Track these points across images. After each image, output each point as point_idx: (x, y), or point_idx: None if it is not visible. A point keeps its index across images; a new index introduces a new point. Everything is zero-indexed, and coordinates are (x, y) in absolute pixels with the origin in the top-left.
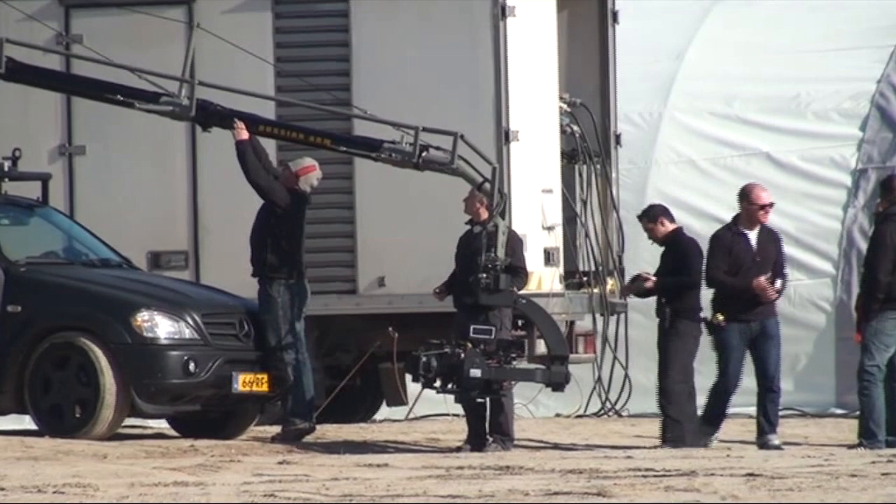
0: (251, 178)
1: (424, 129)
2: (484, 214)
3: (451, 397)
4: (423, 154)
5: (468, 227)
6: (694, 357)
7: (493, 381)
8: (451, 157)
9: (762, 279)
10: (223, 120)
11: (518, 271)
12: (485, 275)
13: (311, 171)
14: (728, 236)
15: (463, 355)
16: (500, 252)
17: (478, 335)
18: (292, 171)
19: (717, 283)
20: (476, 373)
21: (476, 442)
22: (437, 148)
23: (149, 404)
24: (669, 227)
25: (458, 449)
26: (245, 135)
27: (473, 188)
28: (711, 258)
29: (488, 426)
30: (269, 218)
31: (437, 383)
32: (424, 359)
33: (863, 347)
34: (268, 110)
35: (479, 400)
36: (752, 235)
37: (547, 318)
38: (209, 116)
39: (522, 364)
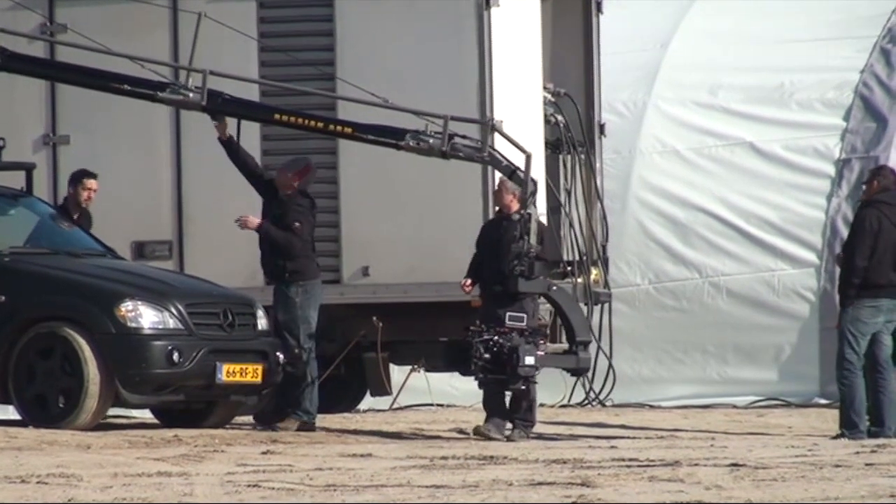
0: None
1: (453, 118)
2: (515, 206)
3: (435, 387)
4: (452, 142)
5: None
6: None
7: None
8: (482, 146)
9: None
10: (233, 109)
11: (543, 261)
12: (516, 261)
13: (308, 171)
14: None
15: (512, 342)
16: (533, 239)
17: (513, 322)
18: (289, 173)
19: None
20: (530, 360)
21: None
22: (464, 136)
23: (133, 394)
24: None
25: (509, 438)
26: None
27: (503, 179)
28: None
29: (511, 412)
30: (275, 222)
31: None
32: (476, 345)
33: (840, 336)
34: (255, 97)
35: (523, 387)
36: None
37: (575, 304)
38: (219, 106)
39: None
